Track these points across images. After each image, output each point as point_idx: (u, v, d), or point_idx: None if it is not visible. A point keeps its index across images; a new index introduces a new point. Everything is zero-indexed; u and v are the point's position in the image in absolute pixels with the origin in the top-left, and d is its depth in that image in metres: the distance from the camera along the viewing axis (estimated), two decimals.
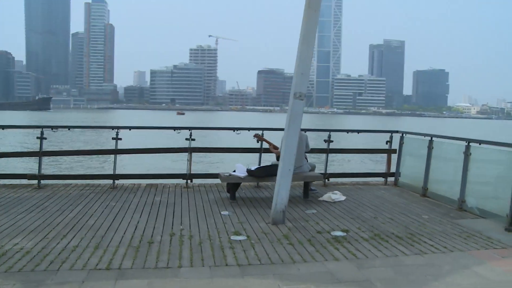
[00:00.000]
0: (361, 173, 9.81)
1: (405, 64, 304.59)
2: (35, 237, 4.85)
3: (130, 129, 8.12)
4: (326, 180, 8.55)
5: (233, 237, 5.02)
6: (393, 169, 8.85)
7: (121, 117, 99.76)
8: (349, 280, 3.90)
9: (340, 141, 19.19)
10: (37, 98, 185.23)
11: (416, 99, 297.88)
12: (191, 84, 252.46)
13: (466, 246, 4.92)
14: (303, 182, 7.35)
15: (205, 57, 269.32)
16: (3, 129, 8.11)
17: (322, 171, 8.46)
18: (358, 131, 9.62)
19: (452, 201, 7.03)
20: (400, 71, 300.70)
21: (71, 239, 4.81)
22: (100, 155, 17.01)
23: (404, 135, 8.61)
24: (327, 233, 5.31)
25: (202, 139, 18.76)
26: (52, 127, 8.24)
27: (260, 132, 8.01)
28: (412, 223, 5.90)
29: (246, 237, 5.04)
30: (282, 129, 9.44)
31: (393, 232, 5.42)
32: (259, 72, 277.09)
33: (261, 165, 7.06)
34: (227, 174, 7.05)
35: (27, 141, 27.05)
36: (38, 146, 7.67)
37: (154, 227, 5.38)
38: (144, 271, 4.01)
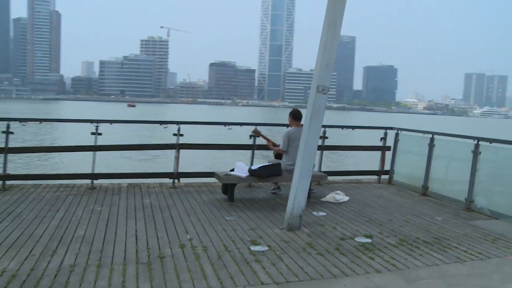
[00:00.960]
0: (354, 171, 9.49)
1: (356, 59, 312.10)
2: (17, 254, 3.99)
3: (111, 123, 7.26)
4: None
5: (253, 248, 4.43)
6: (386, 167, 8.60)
7: (68, 108, 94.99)
8: None
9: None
10: None
11: (366, 94, 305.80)
12: (141, 75, 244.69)
13: (499, 251, 4.67)
14: None
15: (156, 49, 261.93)
16: None
17: (316, 169, 8.03)
18: (353, 127, 9.27)
19: (457, 201, 6.83)
20: (350, 66, 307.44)
21: (64, 256, 4.01)
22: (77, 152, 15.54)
23: (399, 131, 8.35)
24: (351, 239, 4.87)
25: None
26: (20, 120, 7.20)
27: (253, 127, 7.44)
28: (430, 225, 5.61)
29: (267, 247, 4.48)
30: (276, 124, 8.78)
31: (418, 236, 5.09)
32: (211, 64, 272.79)
33: (263, 164, 6.48)
34: (225, 174, 6.44)
35: None
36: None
37: (157, 237, 4.68)
38: None
